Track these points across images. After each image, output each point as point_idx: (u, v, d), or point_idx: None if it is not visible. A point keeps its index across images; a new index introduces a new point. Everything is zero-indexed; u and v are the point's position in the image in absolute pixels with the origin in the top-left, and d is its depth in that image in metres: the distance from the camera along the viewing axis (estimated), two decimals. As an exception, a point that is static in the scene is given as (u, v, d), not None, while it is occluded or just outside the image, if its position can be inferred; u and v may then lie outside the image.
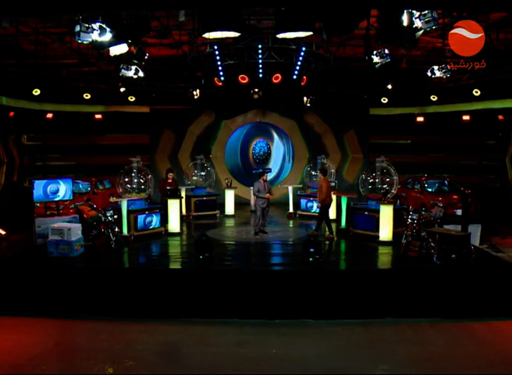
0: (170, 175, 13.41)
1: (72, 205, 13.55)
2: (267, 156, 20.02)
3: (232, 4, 9.59)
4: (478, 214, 12.75)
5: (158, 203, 12.97)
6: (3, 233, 13.27)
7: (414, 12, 8.93)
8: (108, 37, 9.34)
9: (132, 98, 18.25)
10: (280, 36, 11.45)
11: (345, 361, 6.92)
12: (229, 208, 15.66)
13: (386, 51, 11.74)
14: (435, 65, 12.89)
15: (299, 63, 13.81)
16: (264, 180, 11.94)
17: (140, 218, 11.70)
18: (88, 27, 8.93)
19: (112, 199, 11.75)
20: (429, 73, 13.06)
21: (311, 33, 10.93)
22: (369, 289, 8.48)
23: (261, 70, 13.72)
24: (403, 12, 9.14)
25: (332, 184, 14.24)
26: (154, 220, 12.06)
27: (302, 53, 13.56)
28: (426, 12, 8.70)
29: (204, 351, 7.18)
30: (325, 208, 11.61)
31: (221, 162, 19.52)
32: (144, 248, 10.88)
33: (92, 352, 7.25)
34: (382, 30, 10.12)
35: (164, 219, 12.25)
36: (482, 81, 16.21)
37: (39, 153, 19.44)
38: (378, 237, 11.01)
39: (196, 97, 17.12)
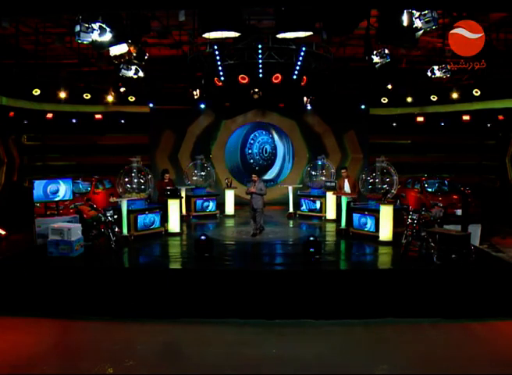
0: (166, 175, 13.44)
1: (72, 205, 13.53)
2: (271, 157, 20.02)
3: (232, 4, 9.60)
4: (478, 214, 12.74)
5: (157, 203, 12.96)
6: (3, 233, 13.27)
7: (414, 12, 8.92)
8: (108, 37, 9.33)
9: (132, 98, 18.25)
10: (280, 36, 11.46)
11: (345, 361, 6.92)
12: (229, 208, 15.66)
13: (386, 51, 11.72)
14: (435, 65, 12.88)
15: (299, 63, 13.80)
16: (254, 181, 11.87)
17: (140, 218, 11.68)
18: (88, 27, 8.91)
19: (112, 199, 11.75)
20: (429, 73, 13.06)
21: (311, 33, 10.94)
22: (369, 289, 8.48)
23: (261, 70, 13.71)
24: (403, 12, 9.14)
25: (333, 184, 14.32)
26: (155, 220, 12.07)
27: (302, 53, 13.57)
28: (426, 12, 8.69)
29: (204, 351, 7.18)
30: None
31: (221, 162, 19.53)
32: (143, 248, 10.87)
33: (92, 352, 7.26)
34: (382, 30, 10.14)
35: (163, 219, 12.25)
36: (482, 81, 16.22)
37: (39, 153, 19.45)
38: (378, 237, 11.01)
39: (196, 97, 17.12)
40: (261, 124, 19.80)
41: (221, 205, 15.74)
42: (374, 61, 11.98)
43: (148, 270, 9.17)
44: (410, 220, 9.78)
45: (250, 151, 19.88)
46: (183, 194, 14.37)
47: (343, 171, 13.61)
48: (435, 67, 12.81)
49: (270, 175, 19.81)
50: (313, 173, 16.01)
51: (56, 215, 11.89)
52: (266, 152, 19.92)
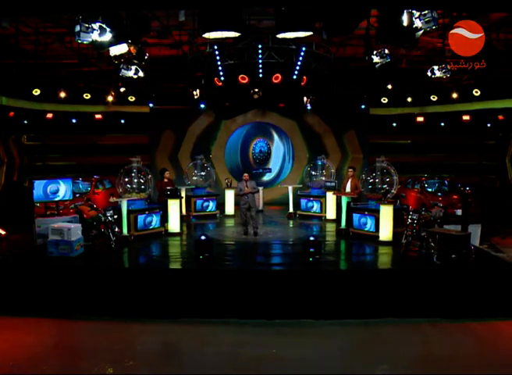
0: (166, 174, 13.42)
1: (72, 205, 13.54)
2: (267, 156, 20.03)
3: (232, 4, 9.60)
4: (478, 214, 12.74)
5: (157, 203, 12.96)
6: (3, 233, 13.27)
7: (414, 12, 8.92)
8: (108, 37, 9.33)
9: (132, 98, 18.26)
10: (280, 36, 11.47)
11: (345, 361, 6.93)
12: (229, 208, 15.67)
13: (386, 51, 11.72)
14: (435, 65, 12.89)
15: (299, 63, 13.81)
16: (246, 180, 11.94)
17: (140, 218, 11.70)
18: (88, 27, 8.91)
19: (112, 199, 11.75)
20: (429, 73, 13.06)
21: (311, 33, 10.94)
22: (369, 289, 8.48)
23: (261, 70, 13.72)
24: (403, 12, 9.14)
25: (333, 184, 14.34)
26: (155, 220, 12.07)
27: (302, 53, 13.57)
28: (426, 12, 8.69)
29: (204, 351, 7.18)
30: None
31: (221, 162, 19.54)
32: (143, 248, 10.87)
33: (92, 352, 7.26)
34: (382, 30, 10.13)
35: (163, 219, 12.25)
36: (482, 81, 16.22)
37: (39, 153, 19.46)
38: (378, 237, 11.01)
39: (196, 97, 17.13)
40: (261, 125, 19.83)
41: (221, 205, 15.75)
42: (374, 61, 11.98)
43: (148, 270, 9.17)
44: (410, 220, 9.77)
45: (253, 151, 19.95)
46: (183, 194, 14.38)
47: (349, 170, 13.54)
48: (435, 67, 12.81)
49: (268, 166, 19.98)
50: (313, 173, 16.02)
51: (56, 215, 11.89)
52: (261, 152, 20.00)
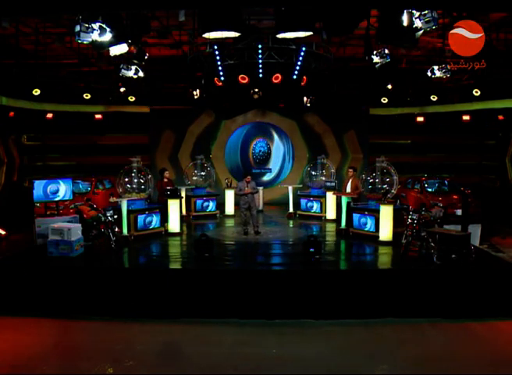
0: (166, 174, 13.43)
1: (72, 205, 13.54)
2: (267, 156, 20.03)
3: (232, 4, 9.60)
4: (478, 214, 12.74)
5: (157, 203, 12.96)
6: (3, 233, 13.28)
7: (414, 12, 8.93)
8: (108, 37, 9.33)
9: (132, 98, 18.26)
10: (280, 36, 11.47)
11: (345, 361, 6.92)
12: (229, 208, 15.67)
13: (386, 51, 11.73)
14: (435, 65, 12.90)
15: (299, 63, 13.82)
16: (247, 182, 12.04)
17: (140, 218, 11.70)
18: (88, 27, 8.91)
19: (112, 199, 11.75)
20: (429, 73, 13.07)
21: (311, 33, 10.95)
22: (369, 289, 8.48)
23: (261, 70, 13.73)
24: (403, 12, 9.15)
25: (333, 184, 14.34)
26: (154, 220, 12.07)
27: (302, 53, 13.58)
28: (426, 12, 8.69)
29: (204, 351, 7.18)
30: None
31: (221, 162, 19.54)
32: (143, 248, 10.87)
33: (92, 352, 7.25)
34: (382, 30, 10.14)
35: (163, 219, 12.25)
36: (482, 81, 16.23)
37: (39, 153, 19.45)
38: (378, 237, 11.01)
39: (196, 97, 17.13)
40: (261, 125, 19.83)
41: (221, 205, 15.75)
42: (374, 61, 11.98)
43: (148, 270, 9.17)
44: (410, 220, 9.77)
45: (253, 151, 19.97)
46: (183, 194, 14.38)
47: (350, 170, 13.55)
48: (435, 67, 12.83)
49: (267, 166, 20.03)
50: (313, 173, 16.02)
51: (56, 215, 11.89)
52: (261, 152, 20.02)
